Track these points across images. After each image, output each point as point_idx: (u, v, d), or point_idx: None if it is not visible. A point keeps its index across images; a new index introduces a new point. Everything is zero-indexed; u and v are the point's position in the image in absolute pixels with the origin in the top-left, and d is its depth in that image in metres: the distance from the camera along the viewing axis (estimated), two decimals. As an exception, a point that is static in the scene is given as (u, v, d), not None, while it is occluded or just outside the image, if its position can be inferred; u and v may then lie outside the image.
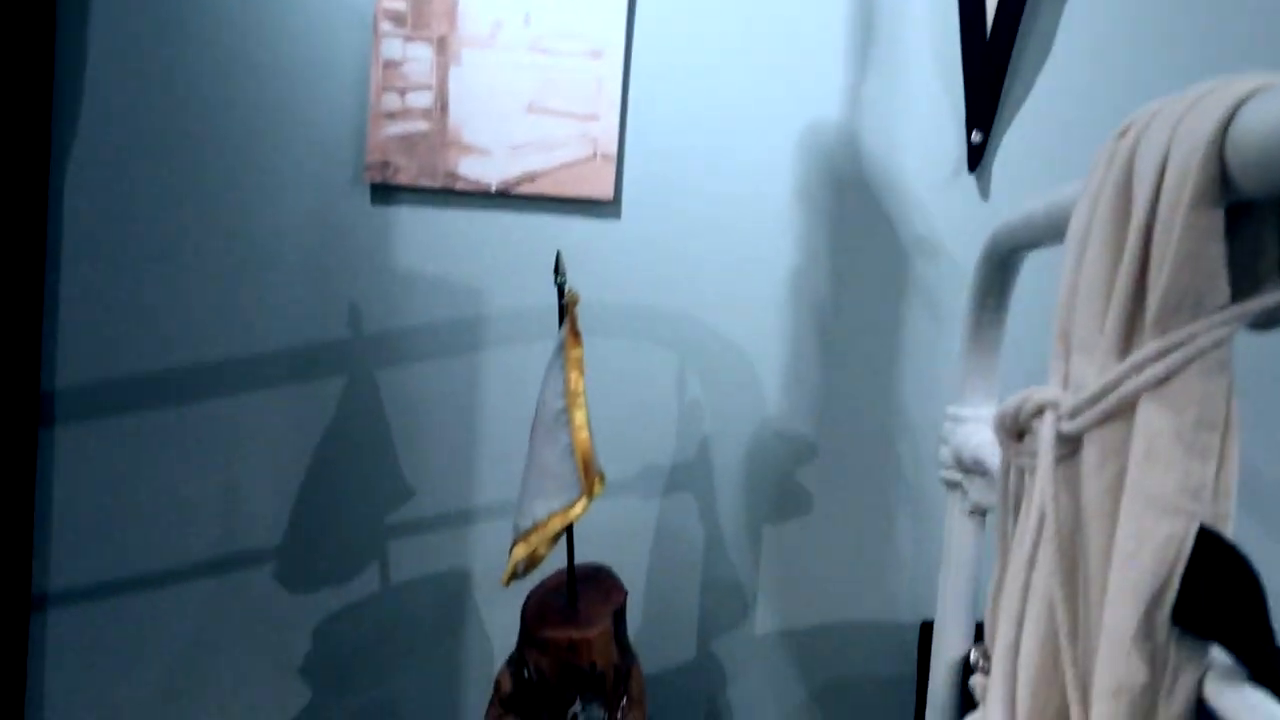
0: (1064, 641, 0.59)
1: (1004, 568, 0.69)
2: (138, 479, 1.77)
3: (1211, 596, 0.52)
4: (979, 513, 1.26)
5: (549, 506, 1.42)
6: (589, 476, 1.42)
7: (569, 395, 1.42)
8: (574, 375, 1.42)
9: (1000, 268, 1.21)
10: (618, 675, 1.47)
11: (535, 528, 1.42)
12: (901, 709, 1.54)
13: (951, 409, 1.31)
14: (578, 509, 1.41)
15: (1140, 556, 0.54)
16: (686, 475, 1.67)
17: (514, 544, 1.42)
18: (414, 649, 1.74)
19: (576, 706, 1.41)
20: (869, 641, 1.62)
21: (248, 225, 1.73)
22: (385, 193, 1.71)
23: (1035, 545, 0.61)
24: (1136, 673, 0.54)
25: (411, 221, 1.71)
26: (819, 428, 1.63)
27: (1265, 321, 0.55)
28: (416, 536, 1.73)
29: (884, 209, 1.61)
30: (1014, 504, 0.70)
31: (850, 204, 1.62)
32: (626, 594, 1.53)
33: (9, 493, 1.74)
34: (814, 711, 1.64)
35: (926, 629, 1.44)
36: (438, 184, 1.68)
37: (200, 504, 1.77)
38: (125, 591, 1.78)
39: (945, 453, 1.30)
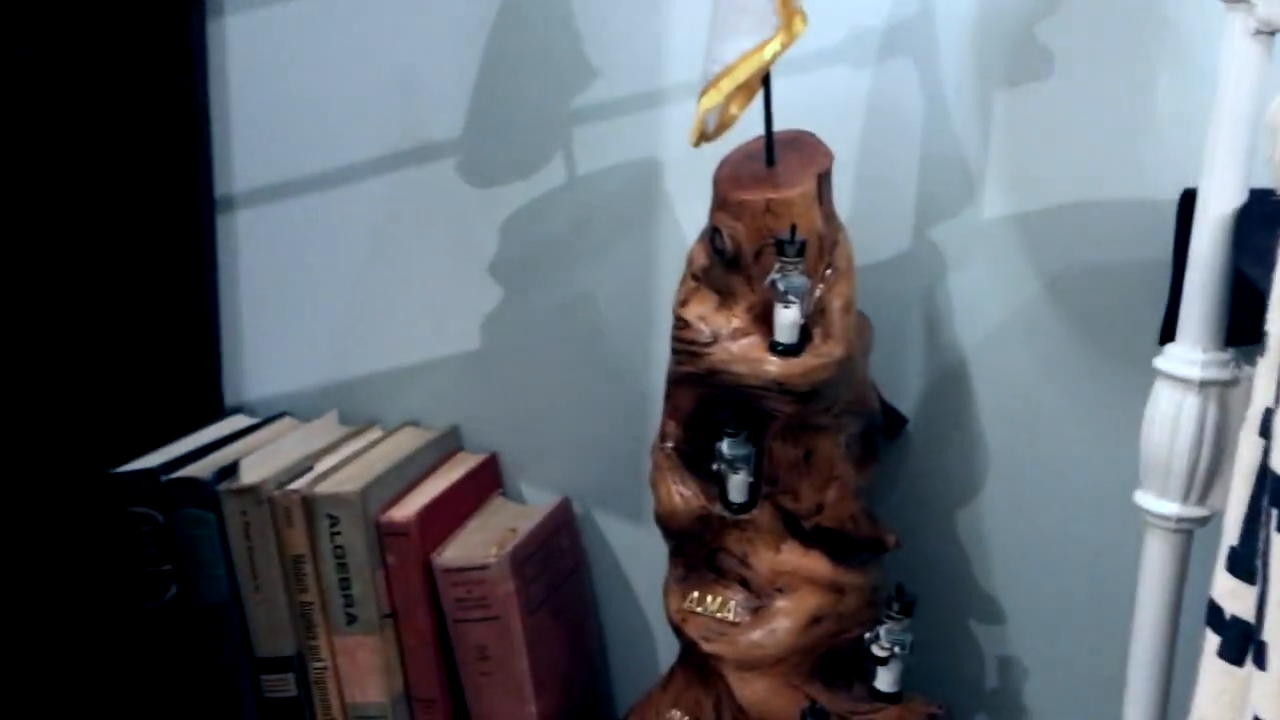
0: None
1: None
2: (308, 70, 1.71)
3: None
4: (1267, 32, 1.01)
5: (740, 46, 1.23)
6: (787, 9, 1.22)
7: (764, -94, 1.21)
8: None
9: None
10: (821, 245, 1.32)
11: (725, 72, 1.24)
12: (1153, 296, 1.33)
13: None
14: (774, 45, 1.23)
15: None
16: (904, 36, 1.44)
17: (702, 94, 1.26)
18: (604, 240, 1.65)
19: (776, 274, 1.27)
20: (1116, 221, 1.40)
21: None
22: None
23: None
24: None
25: None
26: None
27: None
28: (603, 121, 1.60)
29: None
30: None
31: None
32: (833, 156, 1.36)
33: (177, 89, 1.70)
34: (1046, 303, 1.46)
35: (1188, 199, 1.20)
36: None
37: (375, 95, 1.70)
38: (304, 191, 1.75)
39: (1231, -41, 1.04)
